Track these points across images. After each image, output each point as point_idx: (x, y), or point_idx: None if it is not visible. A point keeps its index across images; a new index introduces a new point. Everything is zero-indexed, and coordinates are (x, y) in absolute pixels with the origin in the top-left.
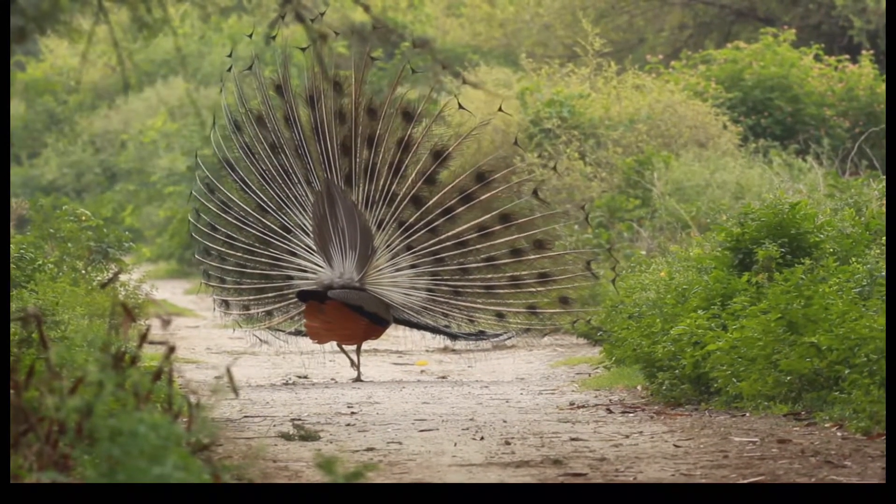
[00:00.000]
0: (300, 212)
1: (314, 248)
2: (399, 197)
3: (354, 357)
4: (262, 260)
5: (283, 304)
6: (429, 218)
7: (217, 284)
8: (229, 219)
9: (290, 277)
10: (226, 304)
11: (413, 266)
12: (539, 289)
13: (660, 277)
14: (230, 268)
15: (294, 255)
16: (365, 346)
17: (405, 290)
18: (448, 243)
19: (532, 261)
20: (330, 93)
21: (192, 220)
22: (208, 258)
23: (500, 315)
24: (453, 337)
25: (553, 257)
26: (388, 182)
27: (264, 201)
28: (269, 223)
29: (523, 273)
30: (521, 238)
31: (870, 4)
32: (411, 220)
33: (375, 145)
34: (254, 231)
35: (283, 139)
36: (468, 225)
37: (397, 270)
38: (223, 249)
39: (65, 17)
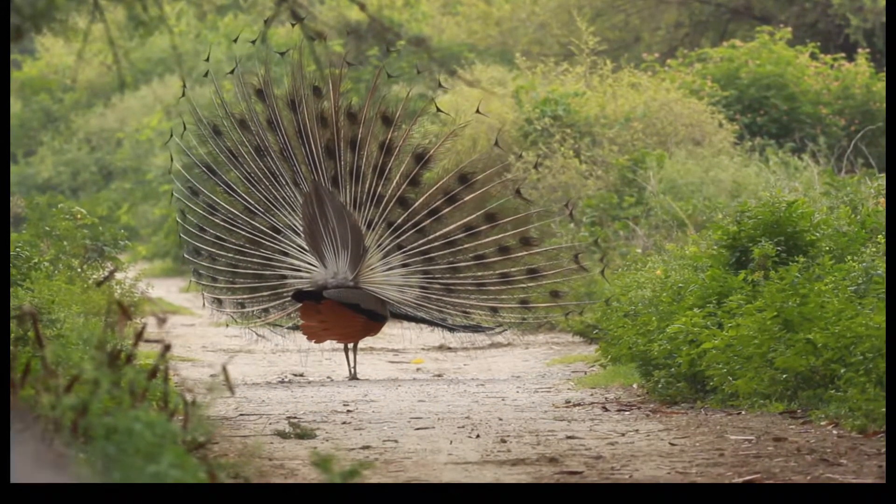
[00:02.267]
0: (289, 213)
1: (306, 247)
2: (385, 198)
3: (352, 356)
4: (254, 260)
5: (278, 301)
6: (416, 219)
7: (209, 283)
8: (217, 220)
9: (284, 277)
10: (218, 301)
11: (404, 265)
12: (529, 284)
13: (655, 276)
14: (222, 267)
15: (286, 254)
16: (361, 343)
17: (399, 288)
18: (437, 243)
19: (521, 257)
20: (311, 96)
21: (178, 220)
22: (198, 258)
23: (493, 310)
24: (451, 329)
25: (540, 253)
26: (374, 184)
27: (251, 203)
28: (258, 224)
29: (512, 269)
30: (509, 235)
31: (866, 3)
32: (399, 220)
33: (358, 148)
34: (243, 232)
35: (268, 142)
36: (455, 225)
37: (389, 269)
38: (213, 250)
39: (61, 15)
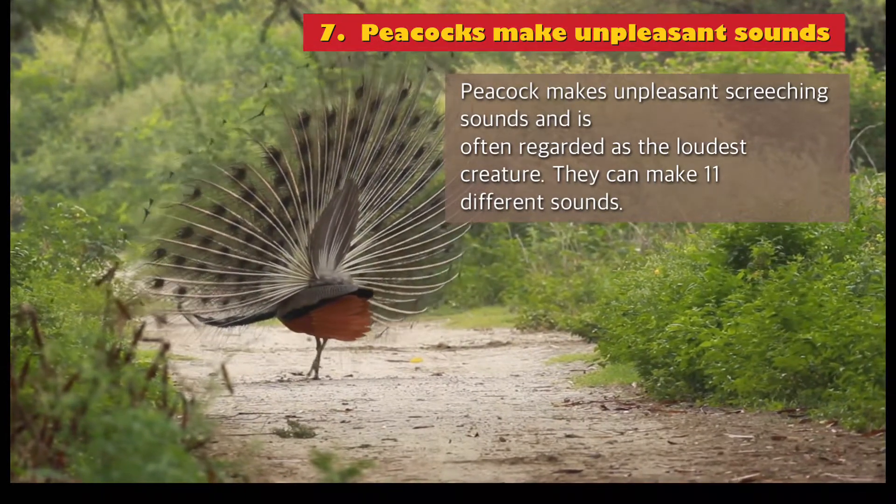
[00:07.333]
0: (310, 207)
1: (300, 242)
2: (396, 202)
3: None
4: (247, 255)
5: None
6: (411, 223)
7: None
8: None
9: (274, 269)
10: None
11: (370, 261)
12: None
13: (654, 275)
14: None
15: (283, 244)
16: (360, 343)
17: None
18: (415, 245)
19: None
20: (395, 98)
21: (168, 215)
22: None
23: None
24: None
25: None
26: (393, 187)
27: (295, 195)
28: (286, 216)
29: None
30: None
31: (864, 2)
32: (398, 222)
33: (404, 151)
34: (266, 223)
35: (341, 138)
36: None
37: (357, 265)
38: (208, 246)
39: (60, 13)
